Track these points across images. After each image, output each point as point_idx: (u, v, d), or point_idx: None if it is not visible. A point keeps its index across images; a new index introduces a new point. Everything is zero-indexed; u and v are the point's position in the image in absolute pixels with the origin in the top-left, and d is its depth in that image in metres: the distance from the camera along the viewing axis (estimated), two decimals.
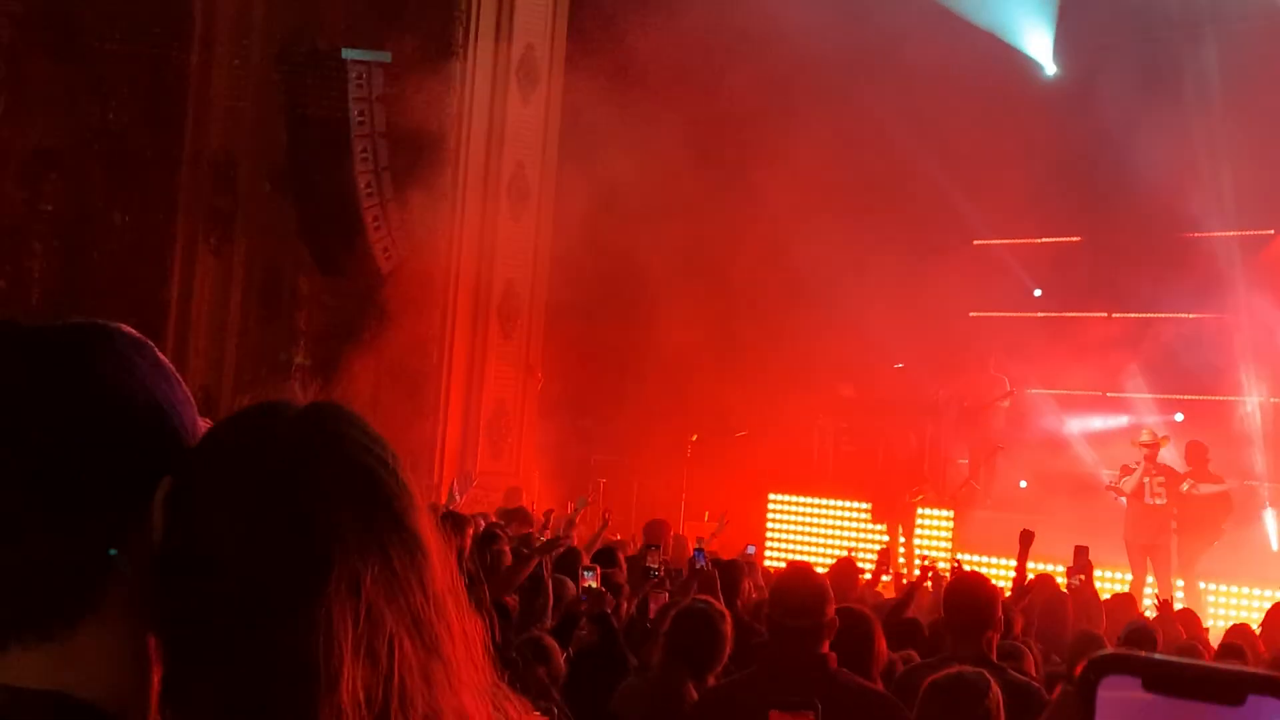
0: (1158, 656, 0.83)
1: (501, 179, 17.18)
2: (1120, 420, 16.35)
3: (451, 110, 16.83)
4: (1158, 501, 14.13)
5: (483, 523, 10.22)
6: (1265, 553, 14.38)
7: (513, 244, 17.28)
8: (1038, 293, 17.85)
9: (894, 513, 16.29)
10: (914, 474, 16.42)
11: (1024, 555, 8.90)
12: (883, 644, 5.17)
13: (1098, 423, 16.62)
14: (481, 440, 17.00)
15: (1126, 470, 14.47)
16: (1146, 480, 14.18)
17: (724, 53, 15.92)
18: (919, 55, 15.74)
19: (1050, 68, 17.75)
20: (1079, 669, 0.85)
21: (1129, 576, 13.89)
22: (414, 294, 16.59)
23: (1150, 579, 13.87)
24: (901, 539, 16.07)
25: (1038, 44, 17.57)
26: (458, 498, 13.55)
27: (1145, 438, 14.49)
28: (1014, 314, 17.77)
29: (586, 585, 7.03)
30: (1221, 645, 7.92)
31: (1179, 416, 16.10)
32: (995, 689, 3.65)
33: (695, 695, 4.73)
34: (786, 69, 16.03)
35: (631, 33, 16.12)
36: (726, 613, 5.08)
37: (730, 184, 16.71)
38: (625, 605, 7.14)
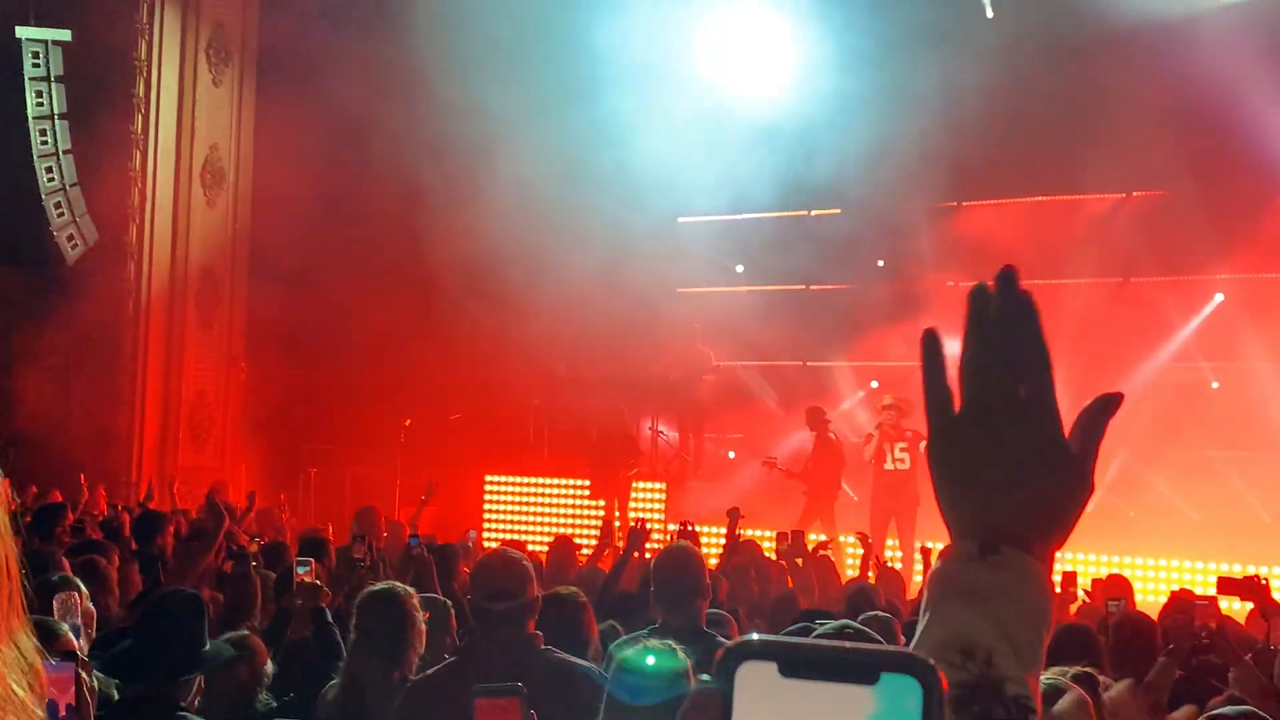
0: (792, 640, 0.83)
1: (194, 163, 16.52)
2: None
3: (137, 92, 16.08)
4: (900, 466, 14.27)
5: (184, 521, 9.82)
6: None
7: (209, 230, 16.66)
8: (740, 269, 18.24)
9: (611, 488, 16.44)
10: (628, 449, 16.60)
11: (732, 530, 9.17)
12: (593, 625, 5.18)
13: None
14: (183, 433, 16.34)
15: (870, 438, 14.69)
16: (887, 445, 14.38)
17: (418, 30, 15.68)
18: (617, 40, 15.88)
19: None
20: (719, 654, 0.83)
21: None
22: (104, 284, 15.81)
23: (892, 542, 14.23)
24: (617, 513, 16.24)
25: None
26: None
27: (888, 401, 14.54)
28: (718, 289, 18.13)
29: (300, 580, 6.79)
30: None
31: (874, 384, 16.68)
32: (682, 660, 3.67)
33: (385, 680, 4.63)
34: (486, 46, 15.93)
35: (324, 9, 15.73)
36: (412, 592, 4.99)
37: (434, 164, 16.49)
38: (331, 598, 6.95)
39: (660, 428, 17.52)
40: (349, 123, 15.50)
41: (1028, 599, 1.10)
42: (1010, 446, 1.13)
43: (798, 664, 0.82)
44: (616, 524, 15.89)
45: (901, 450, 14.36)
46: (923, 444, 14.35)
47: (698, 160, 16.15)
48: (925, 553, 11.02)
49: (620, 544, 14.82)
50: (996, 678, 1.07)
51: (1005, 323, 1.17)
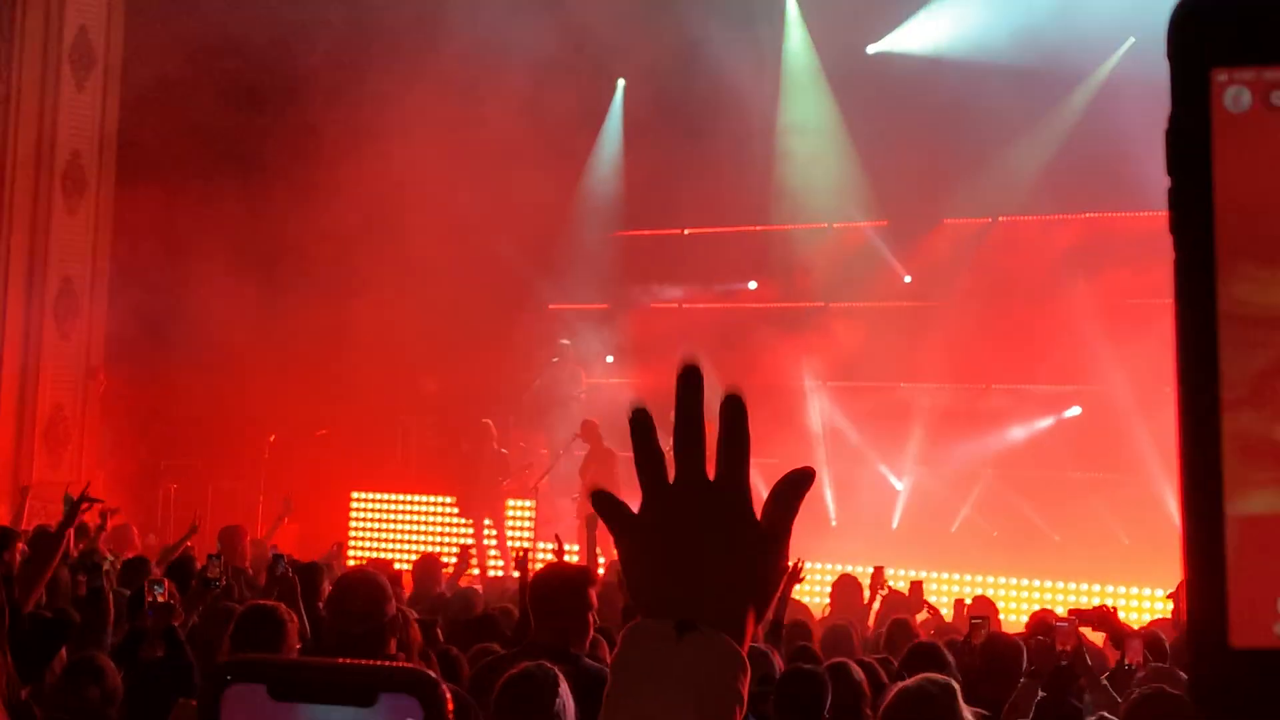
0: (281, 660, 0.80)
1: (56, 164, 16.04)
2: None
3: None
4: None
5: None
6: (825, 528, 14.85)
7: (68, 234, 16.16)
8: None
9: (482, 506, 16.27)
10: (498, 466, 16.44)
11: (592, 540, 9.08)
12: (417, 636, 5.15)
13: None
14: (38, 448, 15.82)
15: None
16: None
17: None
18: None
19: None
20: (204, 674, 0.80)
21: None
22: None
23: None
24: (493, 531, 16.07)
25: None
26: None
27: None
28: (590, 307, 18.11)
29: (151, 600, 6.63)
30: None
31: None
32: (563, 684, 3.61)
33: None
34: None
35: None
36: (292, 613, 4.90)
37: (305, 176, 16.24)
38: (184, 617, 6.82)
39: (532, 445, 17.39)
40: (209, 104, 15.22)
41: (723, 679, 1.12)
42: (705, 527, 1.17)
43: (288, 686, 0.78)
44: (493, 541, 15.71)
45: None
46: None
47: None
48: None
49: (491, 562, 14.74)
50: None
51: (701, 407, 1.18)
